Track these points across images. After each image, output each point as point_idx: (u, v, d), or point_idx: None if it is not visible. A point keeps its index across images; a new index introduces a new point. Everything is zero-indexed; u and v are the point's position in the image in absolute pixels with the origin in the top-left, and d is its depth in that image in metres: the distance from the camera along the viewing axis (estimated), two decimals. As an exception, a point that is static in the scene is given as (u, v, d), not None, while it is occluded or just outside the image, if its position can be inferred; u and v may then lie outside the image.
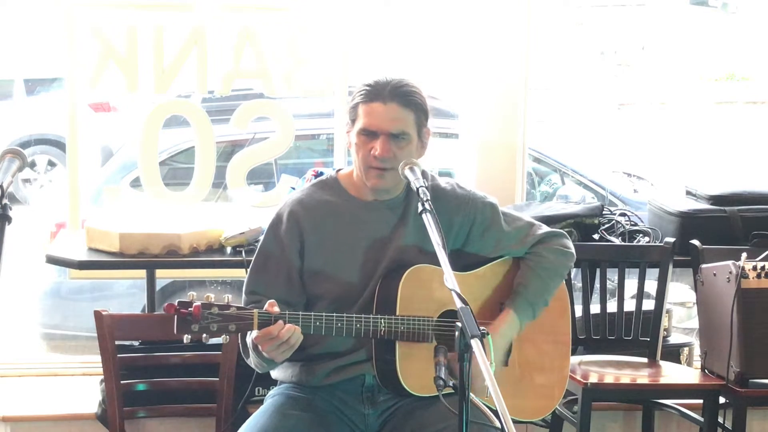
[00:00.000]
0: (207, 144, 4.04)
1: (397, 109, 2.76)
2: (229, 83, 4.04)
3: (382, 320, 2.74)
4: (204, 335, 2.60)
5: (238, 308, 2.62)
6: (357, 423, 2.85)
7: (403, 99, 2.77)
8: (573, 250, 3.03)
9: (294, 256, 2.84)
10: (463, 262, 2.92)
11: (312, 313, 2.70)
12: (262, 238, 2.94)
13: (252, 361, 2.81)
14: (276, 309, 2.65)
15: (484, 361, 2.19)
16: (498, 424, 2.46)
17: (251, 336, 2.70)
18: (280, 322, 2.62)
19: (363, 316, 2.73)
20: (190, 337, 2.59)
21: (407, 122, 2.78)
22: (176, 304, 2.59)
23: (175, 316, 2.58)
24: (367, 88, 2.79)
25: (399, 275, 2.79)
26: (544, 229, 3.01)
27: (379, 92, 2.76)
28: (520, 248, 2.97)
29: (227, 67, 4.02)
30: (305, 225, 2.85)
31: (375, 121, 2.76)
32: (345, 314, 2.72)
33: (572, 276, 3.12)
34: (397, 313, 2.76)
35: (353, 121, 2.81)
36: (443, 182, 2.96)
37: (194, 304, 2.58)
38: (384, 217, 2.88)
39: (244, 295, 2.87)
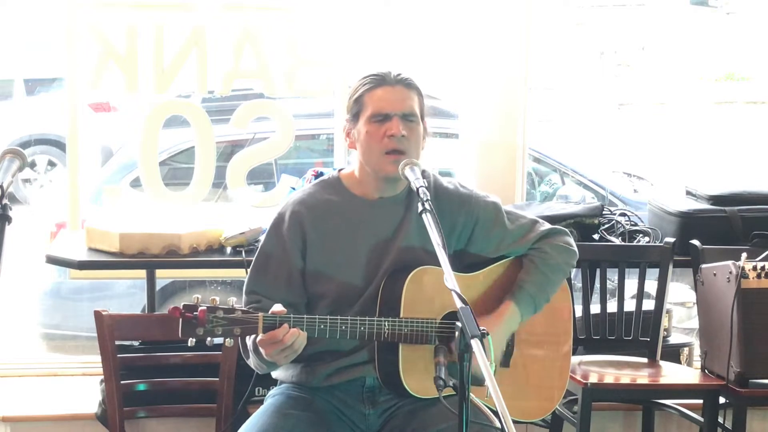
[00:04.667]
0: (207, 144, 4.05)
1: (404, 91, 2.82)
2: (229, 83, 4.05)
3: (386, 323, 2.73)
4: (208, 339, 2.59)
5: (243, 312, 2.61)
6: (357, 423, 2.85)
7: (406, 83, 2.84)
8: (575, 248, 3.02)
9: (296, 256, 2.83)
10: (467, 262, 2.92)
11: (317, 317, 2.69)
12: (263, 238, 2.93)
13: (252, 362, 2.80)
14: (281, 309, 2.63)
15: (484, 361, 2.19)
16: (498, 424, 2.46)
17: (252, 337, 2.69)
18: (285, 325, 2.61)
19: (367, 318, 2.72)
20: (194, 340, 2.59)
21: (414, 103, 2.83)
22: (181, 307, 2.57)
23: (180, 320, 2.57)
24: (371, 76, 2.84)
25: (403, 277, 2.78)
26: (547, 226, 3.00)
27: (384, 78, 2.83)
28: (523, 246, 2.96)
29: (227, 67, 4.02)
30: (307, 225, 2.84)
31: (386, 103, 2.80)
32: (349, 317, 2.71)
33: (572, 276, 3.11)
34: (401, 315, 2.75)
35: (358, 113, 2.82)
36: (445, 182, 2.95)
37: (199, 308, 2.57)
38: (387, 216, 2.87)
39: (244, 295, 2.85)
